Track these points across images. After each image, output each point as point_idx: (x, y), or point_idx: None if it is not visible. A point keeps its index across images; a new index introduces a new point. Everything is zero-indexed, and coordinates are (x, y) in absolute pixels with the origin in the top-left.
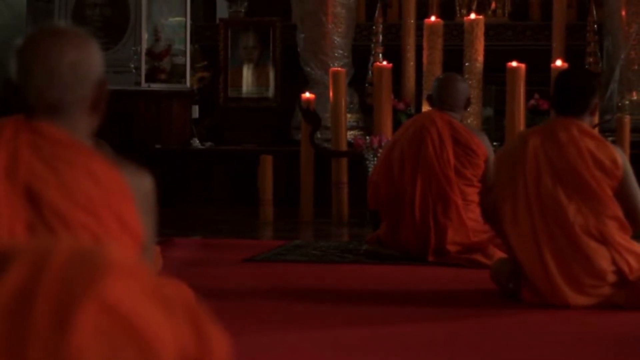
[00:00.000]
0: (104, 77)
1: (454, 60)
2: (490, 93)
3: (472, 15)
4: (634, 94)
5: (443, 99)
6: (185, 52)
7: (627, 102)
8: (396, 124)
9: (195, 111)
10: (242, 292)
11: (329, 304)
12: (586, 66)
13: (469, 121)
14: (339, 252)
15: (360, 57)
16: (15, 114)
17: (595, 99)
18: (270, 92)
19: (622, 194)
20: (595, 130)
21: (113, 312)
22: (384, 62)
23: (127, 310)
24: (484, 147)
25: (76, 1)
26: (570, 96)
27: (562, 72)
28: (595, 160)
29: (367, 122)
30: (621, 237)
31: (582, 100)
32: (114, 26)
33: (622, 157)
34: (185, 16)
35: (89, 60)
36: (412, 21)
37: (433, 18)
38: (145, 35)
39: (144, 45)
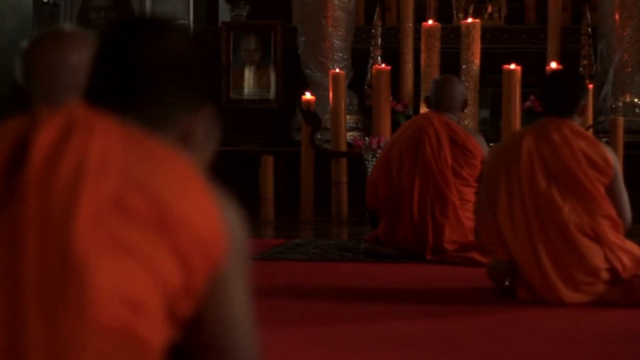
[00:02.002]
0: None
1: (451, 62)
2: (486, 95)
3: (469, 19)
4: (627, 95)
5: (440, 101)
6: None
7: (620, 104)
8: (395, 125)
9: None
10: None
11: (328, 302)
12: (580, 68)
13: (465, 123)
14: (339, 251)
15: (359, 60)
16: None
17: (584, 99)
18: (271, 94)
19: (611, 193)
20: (589, 132)
21: None
22: (383, 65)
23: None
24: (481, 147)
25: (81, 5)
26: (558, 97)
27: (550, 75)
28: (588, 160)
29: (366, 123)
30: (614, 236)
31: (570, 101)
32: None
33: (613, 156)
34: (188, 19)
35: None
36: (410, 24)
37: (431, 21)
38: None
39: None
